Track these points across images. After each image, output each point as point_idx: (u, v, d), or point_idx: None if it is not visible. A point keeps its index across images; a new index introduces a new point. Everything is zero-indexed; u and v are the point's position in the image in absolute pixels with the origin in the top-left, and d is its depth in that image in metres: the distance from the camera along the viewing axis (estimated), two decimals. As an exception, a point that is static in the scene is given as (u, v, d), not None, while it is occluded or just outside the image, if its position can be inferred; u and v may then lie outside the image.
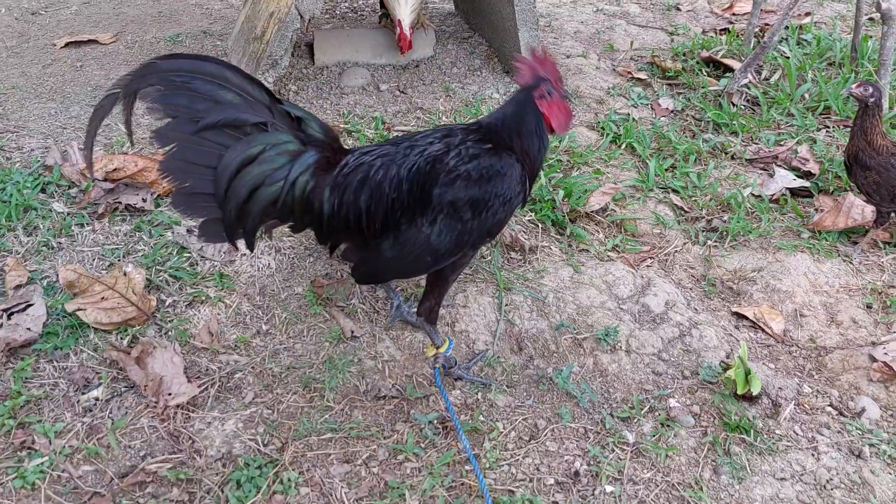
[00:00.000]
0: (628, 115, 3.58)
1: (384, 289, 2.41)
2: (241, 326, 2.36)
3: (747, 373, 2.15)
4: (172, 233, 2.65)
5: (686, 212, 2.99)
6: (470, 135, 1.90)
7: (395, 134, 3.37)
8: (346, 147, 1.98)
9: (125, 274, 2.41)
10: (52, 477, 1.87)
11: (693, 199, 3.04)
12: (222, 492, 1.85)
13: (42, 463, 1.89)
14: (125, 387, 2.13)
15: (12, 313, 2.30)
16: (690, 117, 3.64)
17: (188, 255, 2.59)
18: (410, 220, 1.85)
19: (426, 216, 1.84)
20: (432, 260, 1.89)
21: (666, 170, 3.20)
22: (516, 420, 2.12)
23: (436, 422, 2.07)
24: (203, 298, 2.43)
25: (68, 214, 2.75)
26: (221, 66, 1.75)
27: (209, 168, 1.74)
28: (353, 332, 2.32)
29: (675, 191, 3.08)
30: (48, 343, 2.22)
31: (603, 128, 3.46)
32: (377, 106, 3.62)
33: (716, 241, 2.84)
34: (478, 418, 2.09)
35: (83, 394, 2.09)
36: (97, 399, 2.09)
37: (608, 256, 2.75)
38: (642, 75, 3.98)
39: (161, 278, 2.49)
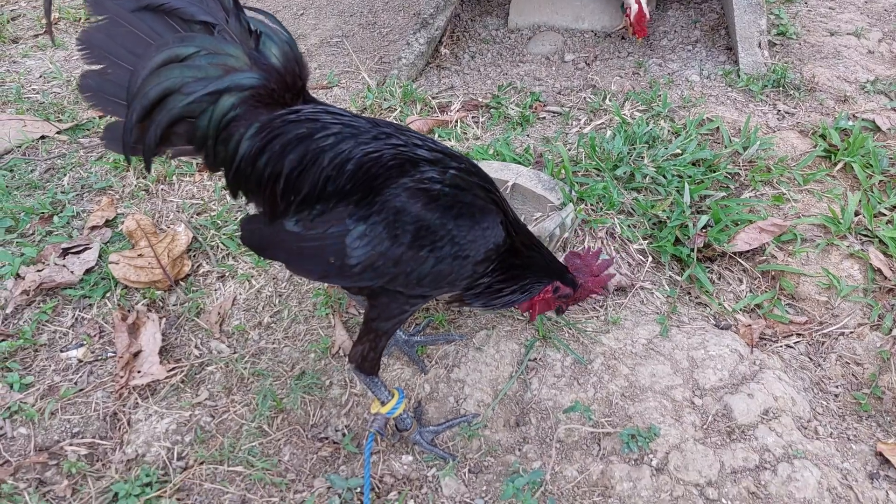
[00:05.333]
0: (872, 121, 2.55)
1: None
2: (251, 313, 2.15)
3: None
4: (245, 197, 2.52)
5: (885, 278, 2.02)
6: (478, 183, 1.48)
7: (544, 116, 2.82)
8: (314, 97, 1.56)
9: (174, 234, 2.35)
10: (-13, 433, 1.86)
11: (908, 260, 2.04)
12: (97, 501, 1.67)
13: (-14, 416, 1.90)
14: (112, 352, 2.07)
15: (69, 253, 2.37)
16: (977, 135, 2.47)
17: (247, 223, 2.43)
18: (337, 203, 1.41)
19: (360, 210, 1.40)
20: (335, 264, 1.42)
21: (887, 210, 2.20)
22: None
23: (358, 490, 1.64)
24: (234, 274, 2.26)
25: (178, 164, 2.77)
26: None
27: (133, 56, 1.41)
28: (341, 348, 1.97)
29: (882, 242, 2.10)
30: (80, 290, 2.24)
31: (822, 135, 2.50)
32: (547, 80, 3.07)
33: (912, 333, 1.88)
34: None
35: (62, 351, 2.06)
36: (79, 360, 2.05)
37: (733, 320, 1.97)
38: (930, 66, 2.82)
39: (214, 242, 2.37)
